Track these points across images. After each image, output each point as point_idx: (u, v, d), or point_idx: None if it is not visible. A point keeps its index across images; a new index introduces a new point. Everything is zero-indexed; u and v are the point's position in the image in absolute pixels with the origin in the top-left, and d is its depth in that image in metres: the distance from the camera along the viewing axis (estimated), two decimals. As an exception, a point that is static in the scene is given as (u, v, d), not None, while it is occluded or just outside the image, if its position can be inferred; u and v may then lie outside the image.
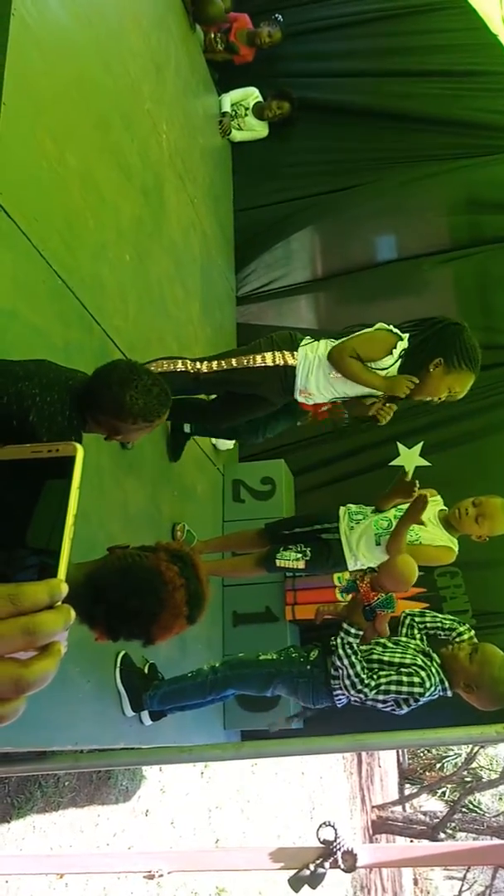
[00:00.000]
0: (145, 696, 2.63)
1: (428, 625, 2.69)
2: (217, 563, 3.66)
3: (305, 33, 5.21)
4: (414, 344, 2.73)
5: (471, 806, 12.66)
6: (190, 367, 2.81)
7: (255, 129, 5.13)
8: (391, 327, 2.72)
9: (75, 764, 2.01)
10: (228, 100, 5.04)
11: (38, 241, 2.27)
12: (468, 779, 12.69)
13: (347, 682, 2.49)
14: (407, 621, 2.73)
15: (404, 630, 2.70)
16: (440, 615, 2.71)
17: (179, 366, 2.83)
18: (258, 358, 2.72)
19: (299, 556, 3.12)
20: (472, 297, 4.49)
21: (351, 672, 2.48)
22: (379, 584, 2.59)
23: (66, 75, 2.71)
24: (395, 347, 2.67)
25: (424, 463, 4.26)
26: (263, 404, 2.98)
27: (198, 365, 2.80)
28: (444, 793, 13.60)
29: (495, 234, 4.56)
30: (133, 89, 3.42)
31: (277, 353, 2.73)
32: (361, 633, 2.56)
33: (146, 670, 2.80)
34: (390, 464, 4.30)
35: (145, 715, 2.70)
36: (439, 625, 2.66)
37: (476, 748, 11.66)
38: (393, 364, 2.69)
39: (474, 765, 12.79)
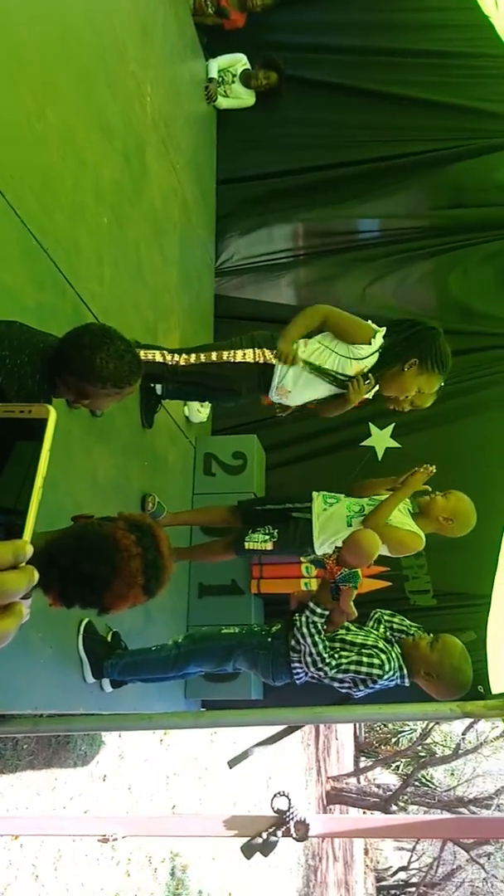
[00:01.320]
0: (106, 665, 2.64)
1: (395, 626, 2.72)
2: (189, 549, 3.71)
3: (297, 2, 5.11)
4: (392, 342, 2.84)
5: (423, 780, 13.01)
6: (168, 359, 2.81)
7: (241, 97, 5.04)
8: (370, 322, 2.83)
9: (34, 728, 2.02)
10: (216, 65, 4.94)
11: (12, 199, 2.21)
12: (422, 754, 13.02)
13: (308, 660, 2.52)
14: (375, 616, 2.77)
15: (371, 623, 2.73)
16: (408, 621, 2.75)
17: (157, 356, 2.83)
18: (238, 354, 2.77)
19: (267, 537, 3.18)
20: (450, 282, 4.50)
21: (313, 650, 2.51)
22: (341, 558, 2.62)
23: (48, 28, 2.63)
24: (373, 338, 2.77)
25: (395, 444, 4.30)
26: (232, 396, 3.04)
27: (175, 357, 2.81)
28: (398, 766, 13.95)
29: (478, 220, 4.56)
30: (118, 48, 3.33)
31: (258, 351, 2.78)
32: (327, 612, 2.58)
33: (109, 638, 2.80)
34: (361, 444, 4.33)
35: (106, 682, 2.71)
36: (405, 629, 2.70)
37: (431, 725, 11.94)
38: (370, 355, 2.78)
39: (428, 740, 13.12)
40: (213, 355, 2.77)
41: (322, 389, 2.91)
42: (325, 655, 2.50)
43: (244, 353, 2.77)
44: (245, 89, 5.03)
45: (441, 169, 4.63)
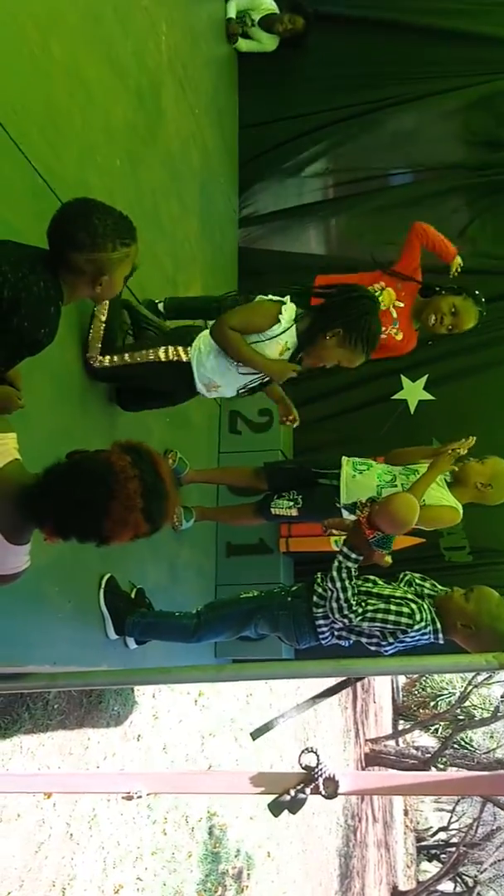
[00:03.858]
0: (128, 622, 2.58)
1: (426, 590, 2.60)
2: (216, 510, 3.66)
3: None
4: (323, 305, 2.68)
5: (462, 742, 12.98)
6: (91, 359, 2.61)
7: (261, 42, 4.80)
8: (270, 296, 2.65)
9: (51, 683, 1.96)
10: (234, 5, 4.72)
11: (16, 134, 2.10)
12: (461, 717, 12.96)
13: (335, 605, 2.41)
14: (406, 578, 2.66)
15: (402, 584, 2.61)
16: (440, 586, 2.63)
17: (94, 344, 2.63)
18: (150, 353, 2.62)
19: (291, 503, 3.16)
20: (486, 224, 4.28)
21: (341, 595, 2.40)
22: (374, 521, 2.47)
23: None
24: (280, 313, 2.58)
25: (428, 396, 4.14)
26: (163, 399, 2.88)
27: (98, 356, 2.62)
28: (436, 729, 13.93)
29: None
30: (128, -19, 3.17)
31: (171, 349, 2.62)
32: (361, 558, 2.47)
33: (133, 595, 2.74)
34: (392, 397, 4.18)
35: (130, 639, 2.66)
36: (436, 594, 2.58)
37: (469, 688, 11.86)
38: (285, 330, 2.59)
39: (467, 703, 13.04)
40: (127, 357, 2.60)
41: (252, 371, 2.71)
42: (353, 602, 2.40)
43: (156, 352, 2.60)
44: (266, 34, 4.79)
45: (479, 103, 4.37)
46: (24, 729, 3.22)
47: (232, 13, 4.69)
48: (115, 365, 2.58)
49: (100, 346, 2.58)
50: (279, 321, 2.57)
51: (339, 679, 2.25)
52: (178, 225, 3.46)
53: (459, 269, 3.29)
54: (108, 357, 2.59)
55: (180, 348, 2.61)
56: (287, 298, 2.64)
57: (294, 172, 4.66)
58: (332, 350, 2.62)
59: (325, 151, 4.65)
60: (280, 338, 2.58)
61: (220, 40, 4.60)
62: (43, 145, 2.28)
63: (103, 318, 2.57)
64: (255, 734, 2.10)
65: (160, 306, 3.13)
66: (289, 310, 2.60)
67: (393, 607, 2.37)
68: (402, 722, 14.88)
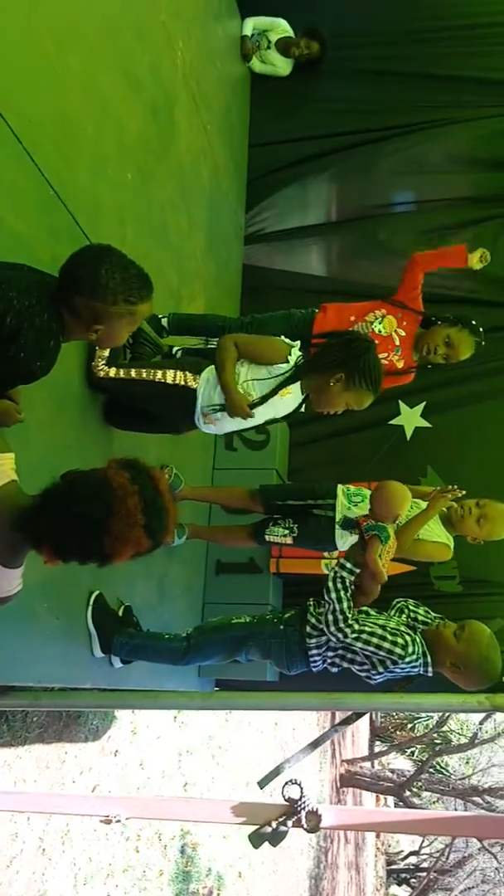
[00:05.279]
0: (115, 641, 2.54)
1: (419, 617, 2.59)
2: (210, 529, 3.65)
3: None
4: (319, 352, 2.69)
5: (438, 767, 12.92)
6: (96, 368, 2.61)
7: (275, 66, 4.81)
8: (282, 338, 2.69)
9: (35, 702, 1.92)
10: (251, 24, 4.73)
11: (29, 145, 2.09)
12: (438, 741, 12.91)
13: (330, 618, 2.38)
14: (398, 605, 2.64)
15: (393, 612, 2.60)
16: (434, 614, 2.62)
17: (99, 363, 2.64)
18: (158, 374, 2.62)
19: (286, 532, 3.20)
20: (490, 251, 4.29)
21: (337, 607, 2.37)
22: (371, 511, 2.61)
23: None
24: (289, 354, 2.60)
25: (425, 424, 4.13)
26: (157, 424, 2.84)
27: (102, 364, 2.62)
28: (413, 752, 13.87)
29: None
30: (148, -4, 3.17)
31: (179, 373, 2.62)
32: (357, 570, 2.46)
33: (121, 613, 2.71)
34: (390, 422, 4.17)
35: (116, 658, 2.62)
36: (429, 622, 2.57)
37: (447, 712, 11.82)
38: (287, 372, 2.60)
39: (445, 728, 12.99)
40: (133, 372, 2.61)
41: (262, 409, 2.67)
42: (349, 614, 2.37)
43: (164, 374, 2.61)
44: (281, 58, 4.79)
45: (487, 137, 4.41)
46: (2, 741, 3.16)
47: (248, 31, 4.71)
48: (119, 378, 2.56)
49: (106, 354, 2.57)
50: (287, 361, 2.58)
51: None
52: (186, 240, 3.46)
53: (486, 259, 3.29)
54: (113, 369, 2.58)
55: (189, 374, 2.60)
56: (297, 344, 2.66)
57: (300, 193, 4.67)
58: (338, 395, 2.60)
59: (331, 175, 4.66)
60: (282, 375, 2.58)
61: (235, 58, 4.62)
62: (56, 157, 2.27)
63: None
64: (263, 782, 2.06)
65: (164, 321, 3.13)
66: (295, 353, 2.62)
67: (388, 636, 2.35)
68: (378, 743, 14.80)
